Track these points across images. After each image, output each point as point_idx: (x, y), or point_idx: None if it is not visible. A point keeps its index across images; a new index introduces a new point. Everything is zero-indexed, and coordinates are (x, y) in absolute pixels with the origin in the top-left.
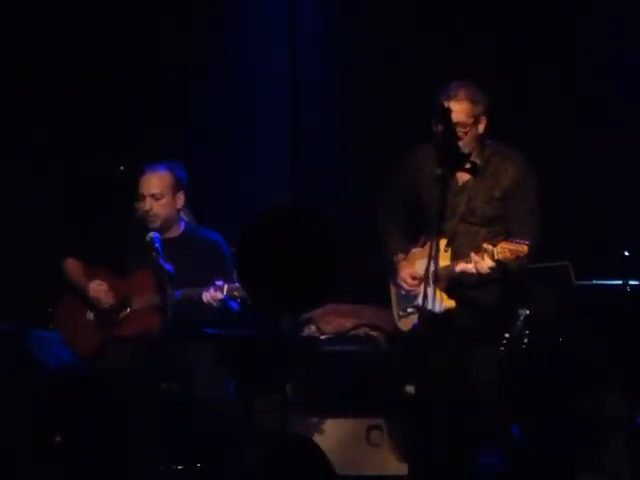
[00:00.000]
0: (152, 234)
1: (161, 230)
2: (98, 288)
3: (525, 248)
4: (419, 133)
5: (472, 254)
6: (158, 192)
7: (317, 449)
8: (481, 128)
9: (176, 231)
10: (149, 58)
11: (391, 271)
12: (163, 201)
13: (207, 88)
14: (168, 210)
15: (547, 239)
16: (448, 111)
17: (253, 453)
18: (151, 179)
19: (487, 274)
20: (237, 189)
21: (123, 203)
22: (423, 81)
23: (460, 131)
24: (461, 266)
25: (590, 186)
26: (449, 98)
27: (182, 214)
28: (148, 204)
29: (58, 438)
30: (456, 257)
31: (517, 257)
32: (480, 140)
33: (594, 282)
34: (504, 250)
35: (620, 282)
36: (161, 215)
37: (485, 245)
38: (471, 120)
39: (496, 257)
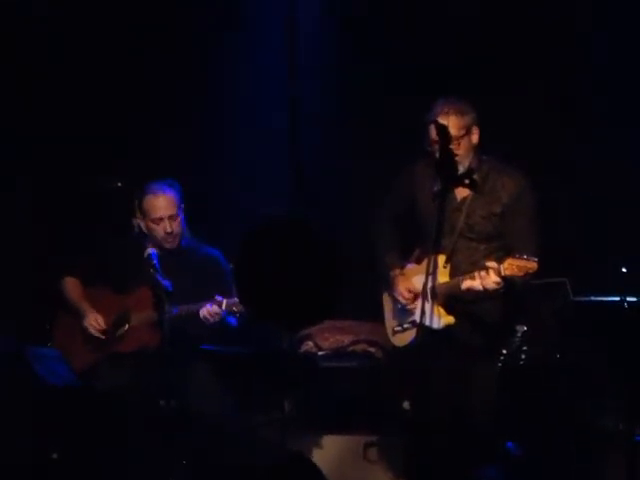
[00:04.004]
0: (149, 250)
1: (173, 248)
2: (94, 324)
3: (534, 265)
4: (417, 149)
5: (476, 272)
6: (174, 212)
7: (314, 467)
8: (474, 139)
9: (178, 245)
10: (145, 71)
11: (387, 286)
12: (178, 220)
13: (205, 101)
14: (181, 227)
15: (545, 255)
16: (445, 127)
17: (250, 468)
18: (164, 201)
19: (493, 290)
20: (236, 204)
21: (120, 219)
22: (422, 95)
23: (454, 144)
24: (467, 284)
25: (588, 202)
26: (436, 115)
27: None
28: (169, 226)
29: (55, 455)
30: (455, 273)
31: (526, 273)
32: (475, 152)
33: (592, 298)
34: (512, 267)
35: (618, 298)
36: (180, 234)
37: (489, 263)
38: (462, 132)
39: (503, 274)
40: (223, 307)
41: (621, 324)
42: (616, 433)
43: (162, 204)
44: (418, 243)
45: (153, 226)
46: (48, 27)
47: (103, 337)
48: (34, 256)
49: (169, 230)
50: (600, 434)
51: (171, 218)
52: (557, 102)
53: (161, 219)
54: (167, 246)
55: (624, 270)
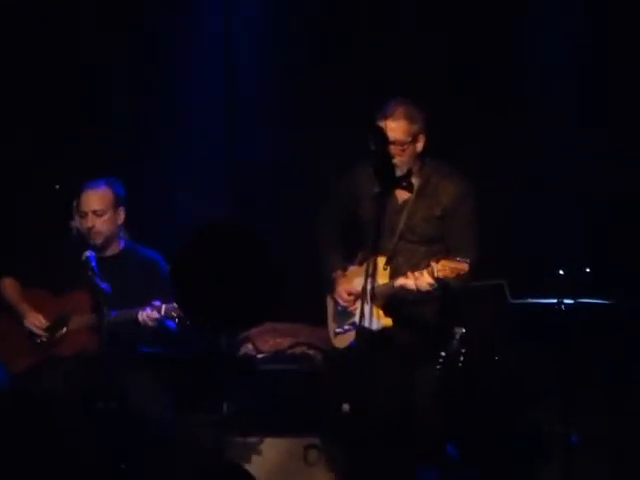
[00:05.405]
0: (88, 253)
1: (101, 248)
2: (36, 323)
3: (466, 266)
4: (359, 150)
5: (410, 272)
6: (100, 209)
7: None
8: (419, 146)
9: (116, 249)
10: (81, 72)
11: (329, 288)
12: (105, 217)
13: (142, 103)
14: (110, 226)
15: (483, 257)
16: (382, 130)
17: (189, 473)
18: (92, 196)
19: (426, 291)
20: (173, 205)
21: (59, 222)
22: (365, 96)
23: (398, 149)
24: (401, 281)
25: (526, 204)
26: (386, 117)
27: (122, 232)
28: (90, 221)
29: None
30: (395, 275)
31: (457, 275)
32: (419, 158)
33: (529, 301)
34: (444, 268)
35: (555, 301)
36: (103, 232)
37: (431, 263)
38: (409, 138)
39: (436, 275)
40: (162, 312)
41: (558, 326)
42: (552, 435)
43: (90, 199)
44: (361, 245)
45: (79, 220)
46: None
47: (44, 336)
48: None
49: (89, 225)
50: (537, 435)
51: (95, 213)
52: (495, 105)
53: (85, 213)
54: (90, 242)
55: (561, 272)
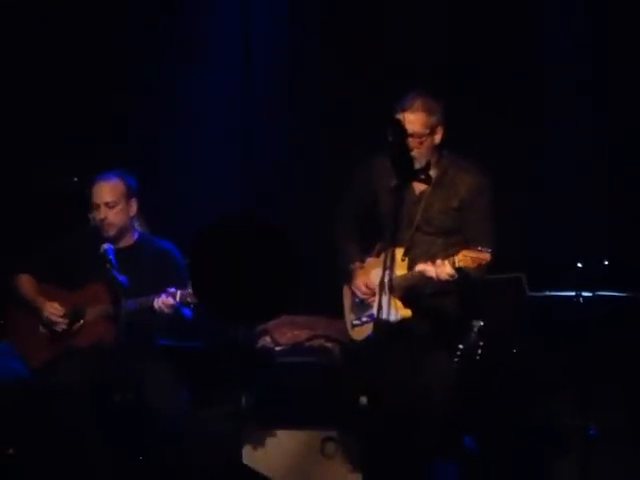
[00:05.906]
0: (106, 246)
1: (115, 239)
2: (54, 311)
3: (487, 256)
4: (376, 143)
5: (429, 262)
6: (111, 200)
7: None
8: (437, 138)
9: (130, 240)
10: (97, 68)
11: (347, 279)
12: (117, 209)
13: (158, 98)
14: (122, 217)
15: (500, 250)
16: (400, 123)
17: (205, 465)
18: (104, 188)
19: (445, 281)
20: (190, 199)
21: (77, 215)
22: (380, 91)
23: (416, 141)
24: (421, 267)
25: (543, 198)
26: (404, 109)
27: (136, 224)
28: (103, 212)
29: (11, 451)
30: (413, 266)
31: (479, 265)
32: (437, 150)
33: (547, 293)
34: (465, 258)
35: (573, 294)
36: (116, 223)
37: (453, 254)
38: (427, 130)
39: (457, 265)
40: (177, 298)
41: (576, 319)
42: (570, 427)
43: (102, 191)
44: (379, 237)
45: (93, 213)
46: None
47: (64, 324)
48: None
49: (102, 217)
50: (555, 428)
51: (107, 205)
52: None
53: (98, 205)
54: (103, 234)
55: (579, 265)
